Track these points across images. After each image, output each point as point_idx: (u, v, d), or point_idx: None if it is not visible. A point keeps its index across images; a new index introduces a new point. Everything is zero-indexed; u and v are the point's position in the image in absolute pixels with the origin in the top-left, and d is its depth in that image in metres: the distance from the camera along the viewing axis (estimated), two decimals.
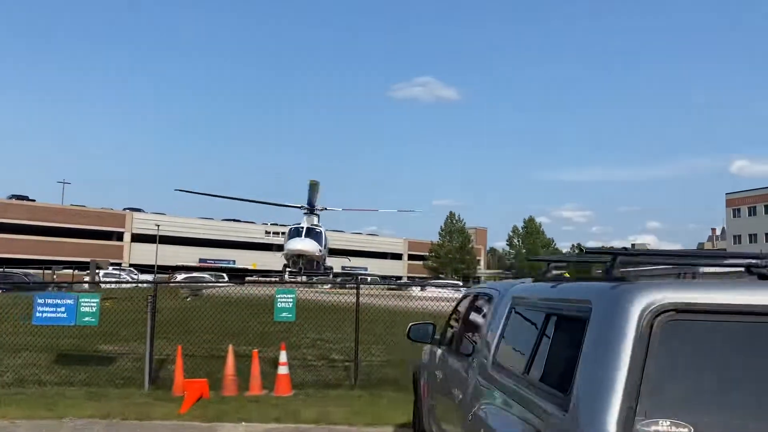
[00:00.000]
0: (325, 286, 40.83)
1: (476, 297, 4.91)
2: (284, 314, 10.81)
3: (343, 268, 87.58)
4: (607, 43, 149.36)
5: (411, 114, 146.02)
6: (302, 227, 21.19)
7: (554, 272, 4.05)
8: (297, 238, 20.94)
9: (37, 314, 10.49)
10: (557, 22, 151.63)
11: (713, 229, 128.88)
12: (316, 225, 21.65)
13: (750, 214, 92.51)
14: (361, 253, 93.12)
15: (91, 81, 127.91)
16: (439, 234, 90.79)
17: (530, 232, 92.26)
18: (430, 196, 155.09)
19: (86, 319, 10.46)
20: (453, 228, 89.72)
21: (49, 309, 10.44)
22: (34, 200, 71.86)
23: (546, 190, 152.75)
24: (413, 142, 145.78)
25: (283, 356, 10.41)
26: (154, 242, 70.96)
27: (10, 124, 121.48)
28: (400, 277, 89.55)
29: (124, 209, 77.13)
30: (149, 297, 11.04)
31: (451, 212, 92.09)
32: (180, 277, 40.26)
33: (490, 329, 3.86)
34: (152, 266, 64.45)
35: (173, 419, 8.72)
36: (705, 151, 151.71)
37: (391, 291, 28.77)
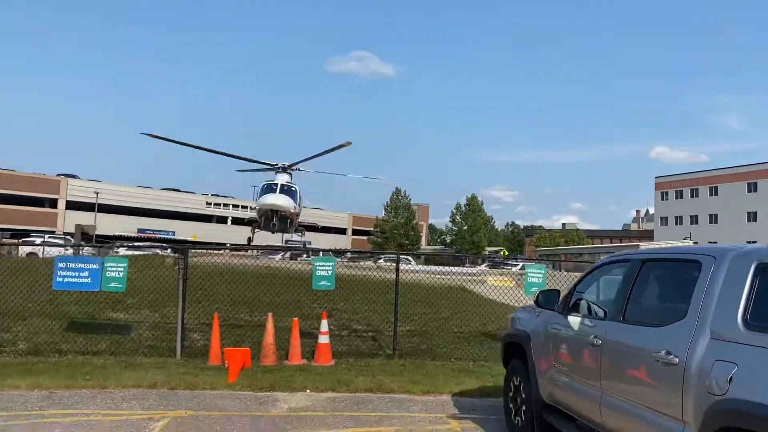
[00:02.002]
0: (284, 255, 40.33)
1: (648, 266, 4.87)
2: (323, 282, 10.57)
3: (286, 241, 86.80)
4: (536, 23, 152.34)
5: (347, 88, 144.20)
6: (276, 183, 20.46)
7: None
8: (271, 194, 20.17)
9: (58, 279, 9.83)
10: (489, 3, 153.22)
11: (638, 211, 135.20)
12: (291, 183, 20.96)
13: (677, 197, 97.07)
14: (305, 227, 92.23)
15: (19, 37, 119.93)
16: (385, 209, 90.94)
17: (473, 209, 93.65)
18: (363, 171, 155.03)
19: (112, 284, 9.88)
20: (399, 204, 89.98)
21: (71, 273, 9.80)
22: None
23: (476, 170, 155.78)
24: (347, 117, 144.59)
25: (324, 325, 10.21)
26: (90, 210, 67.92)
27: None
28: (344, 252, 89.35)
29: (58, 175, 73.17)
30: (179, 263, 10.55)
31: (397, 188, 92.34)
32: (122, 250, 38.71)
33: (718, 295, 3.87)
34: (88, 236, 61.61)
35: (224, 389, 8.43)
36: (627, 137, 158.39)
37: (366, 264, 28.72)
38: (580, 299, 5.58)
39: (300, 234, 24.40)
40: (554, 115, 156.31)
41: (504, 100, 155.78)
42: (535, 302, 6.14)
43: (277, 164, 21.35)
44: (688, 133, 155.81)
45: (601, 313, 5.20)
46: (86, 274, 9.83)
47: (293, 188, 21.26)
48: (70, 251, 31.86)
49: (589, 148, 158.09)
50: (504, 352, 7.02)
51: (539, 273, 11.04)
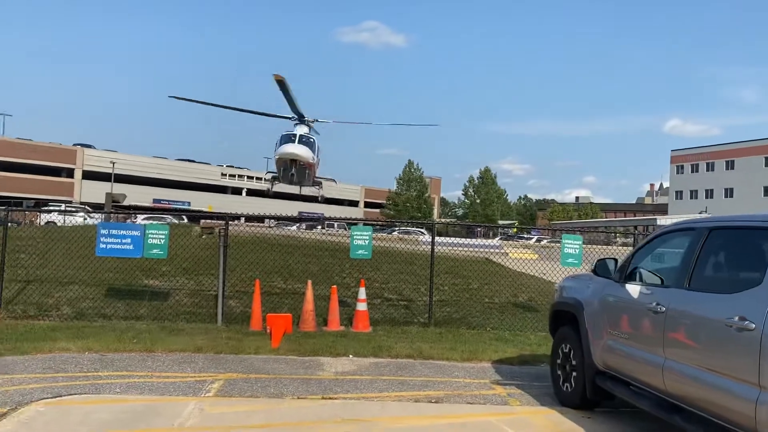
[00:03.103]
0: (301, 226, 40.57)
1: (715, 234, 4.89)
2: (360, 251, 10.68)
3: (299, 213, 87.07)
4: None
5: (358, 59, 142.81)
6: (295, 134, 20.45)
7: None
8: (290, 143, 20.21)
9: (101, 245, 9.99)
10: None
11: (652, 185, 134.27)
12: (309, 134, 20.96)
13: (693, 171, 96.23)
14: (317, 199, 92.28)
15: (38, 11, 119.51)
16: (397, 182, 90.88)
17: (486, 182, 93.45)
18: (374, 145, 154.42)
19: (154, 251, 10.04)
20: (411, 176, 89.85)
21: (113, 240, 9.96)
22: None
23: (487, 143, 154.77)
24: (359, 89, 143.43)
25: (362, 293, 10.35)
26: (106, 180, 68.18)
27: None
28: (356, 222, 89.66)
29: (74, 144, 73.49)
30: (221, 231, 10.68)
31: (409, 161, 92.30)
32: (140, 218, 39.06)
33: None
34: (104, 205, 62.10)
35: (269, 353, 8.59)
36: (640, 110, 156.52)
37: (381, 235, 28.86)
38: (639, 267, 5.62)
39: (318, 187, 24.26)
40: (566, 88, 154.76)
41: (516, 72, 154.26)
42: (592, 271, 6.20)
43: (292, 116, 21.31)
44: (703, 106, 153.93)
45: (663, 281, 5.25)
46: (128, 240, 9.99)
47: (311, 139, 21.28)
48: (90, 221, 32.23)
49: (601, 121, 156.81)
50: (552, 321, 7.10)
51: (576, 244, 11.08)
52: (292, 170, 20.66)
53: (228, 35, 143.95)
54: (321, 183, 24.31)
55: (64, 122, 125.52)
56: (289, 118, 21.30)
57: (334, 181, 25.44)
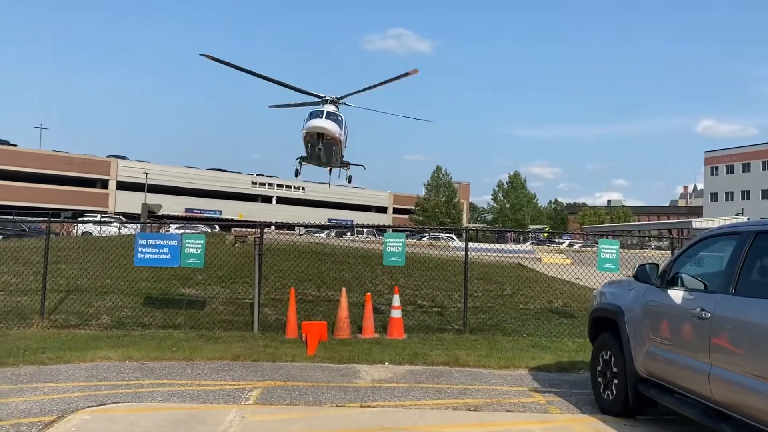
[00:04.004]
0: (331, 233, 40.68)
1: (761, 238, 4.78)
2: (393, 258, 10.69)
3: (329, 220, 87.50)
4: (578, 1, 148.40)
5: (384, 67, 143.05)
6: (322, 110, 20.62)
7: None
8: (317, 118, 20.38)
9: (139, 255, 10.18)
10: None
11: (685, 187, 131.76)
12: (336, 113, 21.07)
13: (728, 172, 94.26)
14: (346, 206, 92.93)
15: (70, 24, 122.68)
16: (425, 188, 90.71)
17: (515, 186, 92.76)
18: (401, 151, 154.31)
19: (191, 260, 10.20)
20: (440, 182, 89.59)
21: (151, 250, 10.14)
22: (15, 145, 69.42)
23: (516, 147, 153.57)
24: (385, 97, 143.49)
25: (396, 300, 10.36)
26: (140, 190, 69.49)
27: None
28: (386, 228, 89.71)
29: (108, 156, 75.06)
30: (255, 239, 10.79)
31: (437, 166, 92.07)
32: (172, 227, 39.60)
33: None
34: (138, 215, 63.25)
35: (305, 361, 8.65)
36: (671, 110, 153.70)
37: (410, 241, 28.83)
38: (681, 273, 5.53)
39: (346, 168, 24.22)
40: (594, 90, 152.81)
41: (544, 74, 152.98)
42: (633, 276, 6.11)
43: (325, 96, 21.46)
44: (737, 105, 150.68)
45: (707, 286, 5.15)
46: (165, 250, 10.15)
47: (339, 117, 21.40)
48: (124, 231, 32.84)
49: (631, 123, 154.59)
50: (591, 327, 7.01)
51: (612, 249, 10.92)
52: (320, 145, 20.75)
53: (254, 44, 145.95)
54: (349, 164, 24.33)
55: (98, 134, 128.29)
56: (321, 97, 21.43)
57: (363, 166, 25.33)
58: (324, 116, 20.95)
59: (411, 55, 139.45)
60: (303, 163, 23.08)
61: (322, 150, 21.08)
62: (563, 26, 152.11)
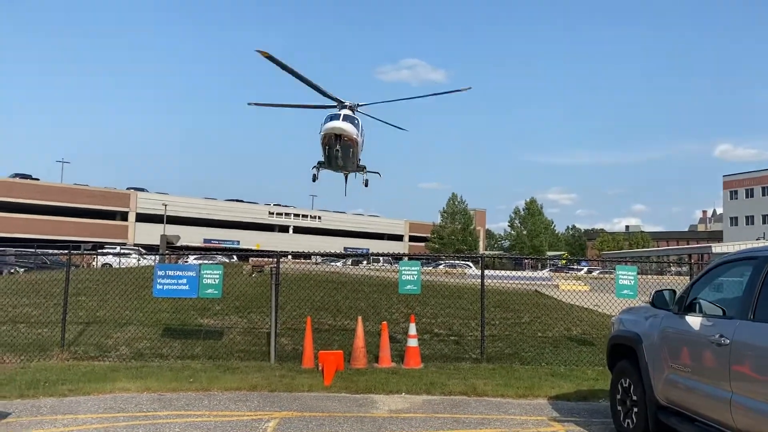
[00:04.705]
0: (347, 262, 40.64)
1: None
2: (409, 287, 10.68)
3: (345, 249, 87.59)
4: (589, 24, 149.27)
5: (398, 97, 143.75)
6: (339, 113, 20.89)
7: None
8: (335, 120, 20.62)
9: (158, 286, 10.29)
10: (542, 2, 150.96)
11: (704, 212, 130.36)
12: (354, 116, 21.33)
13: (747, 197, 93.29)
14: (362, 234, 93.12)
15: (89, 59, 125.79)
16: (441, 215, 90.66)
17: (532, 213, 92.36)
18: (416, 179, 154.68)
19: (209, 291, 10.27)
20: (455, 209, 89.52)
21: (169, 281, 10.24)
22: (38, 179, 70.75)
23: (532, 174, 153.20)
24: (401, 123, 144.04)
25: (412, 329, 10.33)
26: (159, 222, 70.21)
27: (6, 101, 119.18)
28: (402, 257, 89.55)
29: (128, 188, 76.16)
30: (272, 269, 10.87)
31: (453, 194, 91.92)
32: (191, 258, 39.87)
33: None
34: (157, 246, 63.83)
35: (322, 391, 8.63)
36: (687, 135, 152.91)
37: (427, 269, 28.78)
38: (699, 298, 5.49)
39: (362, 172, 24.30)
40: (610, 115, 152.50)
41: (558, 100, 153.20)
42: (650, 303, 6.07)
43: (344, 102, 21.74)
44: (754, 129, 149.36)
45: (725, 312, 5.11)
46: (184, 281, 10.25)
47: (356, 120, 21.64)
48: (144, 262, 33.14)
49: (647, 148, 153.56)
50: (610, 354, 6.94)
51: (630, 275, 10.83)
52: (337, 146, 20.92)
53: (268, 77, 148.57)
54: (365, 168, 24.45)
55: (119, 166, 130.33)
56: (334, 106, 21.73)
57: (378, 173, 25.37)
58: (341, 118, 21.30)
59: (424, 85, 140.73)
60: (320, 168, 23.31)
61: (339, 151, 21.34)
62: (578, 51, 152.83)
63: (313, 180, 23.73)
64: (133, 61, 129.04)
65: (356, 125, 21.70)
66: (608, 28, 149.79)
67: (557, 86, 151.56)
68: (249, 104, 20.66)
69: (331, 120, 21.17)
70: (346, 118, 21.35)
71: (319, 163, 23.15)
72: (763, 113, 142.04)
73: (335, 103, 21.83)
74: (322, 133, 21.43)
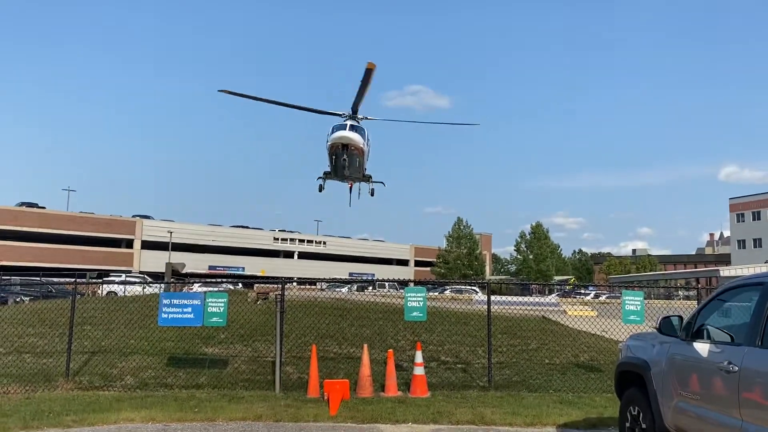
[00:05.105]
0: (353, 288, 40.52)
1: None
2: (415, 313, 10.63)
3: (350, 274, 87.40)
4: (592, 49, 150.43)
5: (403, 122, 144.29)
6: (345, 123, 21.18)
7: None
8: (342, 130, 20.91)
9: (163, 315, 10.28)
10: (545, 29, 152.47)
11: (711, 234, 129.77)
12: (359, 125, 21.61)
13: (754, 219, 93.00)
14: (367, 259, 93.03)
15: (93, 85, 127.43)
16: (447, 239, 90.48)
17: (538, 237, 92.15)
18: (421, 204, 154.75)
19: (214, 319, 10.25)
20: (461, 233, 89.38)
21: (174, 310, 10.23)
22: (44, 207, 71.21)
23: (538, 197, 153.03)
24: (404, 150, 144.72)
25: (419, 357, 10.25)
26: (164, 249, 70.34)
27: (12, 130, 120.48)
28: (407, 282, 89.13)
29: (133, 216, 76.51)
30: (277, 296, 10.84)
31: (459, 218, 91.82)
32: (196, 285, 39.89)
33: None
34: (162, 273, 63.86)
35: (328, 421, 8.55)
36: (694, 157, 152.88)
37: (432, 295, 28.67)
38: (706, 324, 5.44)
39: (368, 182, 24.35)
40: (614, 138, 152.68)
41: (562, 124, 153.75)
42: (657, 329, 6.03)
43: (344, 113, 22.00)
44: (759, 151, 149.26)
45: (733, 339, 5.06)
46: (189, 310, 10.24)
47: (363, 129, 21.87)
48: (149, 290, 33.14)
49: (652, 171, 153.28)
50: (618, 382, 6.87)
51: (637, 300, 10.76)
52: (344, 155, 21.08)
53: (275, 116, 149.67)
54: (371, 178, 24.52)
55: (125, 194, 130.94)
56: (340, 115, 21.97)
57: (383, 183, 25.46)
58: (348, 128, 21.57)
59: (430, 111, 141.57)
60: (326, 178, 23.41)
61: (346, 161, 21.52)
62: (581, 75, 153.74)
63: (320, 190, 23.91)
64: (137, 88, 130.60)
65: (363, 135, 22.02)
66: (610, 52, 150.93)
67: (561, 110, 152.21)
68: (219, 91, 20.72)
69: (338, 130, 21.50)
70: (352, 128, 21.67)
71: (325, 173, 23.35)
72: (765, 132, 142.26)
73: (340, 113, 22.10)
74: (329, 143, 21.73)
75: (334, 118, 22.04)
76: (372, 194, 25.14)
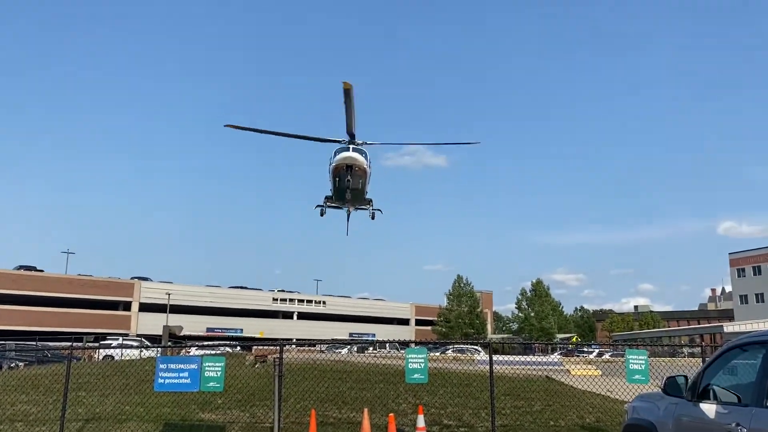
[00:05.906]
0: (354, 349, 39.89)
1: None
2: (416, 375, 10.42)
3: (350, 334, 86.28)
4: (589, 101, 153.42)
5: (401, 182, 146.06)
6: (348, 146, 21.43)
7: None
8: (345, 151, 21.12)
9: (159, 380, 10.07)
10: (536, 88, 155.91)
11: (713, 290, 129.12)
12: (361, 147, 21.88)
13: (755, 273, 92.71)
14: (368, 319, 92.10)
15: (90, 145, 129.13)
16: (447, 297, 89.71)
17: (539, 294, 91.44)
18: (420, 262, 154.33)
19: (210, 384, 10.03)
20: (461, 291, 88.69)
21: (171, 375, 10.03)
22: (42, 270, 70.93)
23: (537, 254, 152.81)
24: (402, 208, 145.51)
25: (420, 421, 10.02)
26: (161, 311, 69.70)
27: (11, 193, 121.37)
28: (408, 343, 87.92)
29: (132, 278, 76.13)
30: (275, 360, 10.67)
31: (458, 275, 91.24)
32: (193, 349, 39.32)
33: None
34: (159, 336, 63.06)
35: None
36: (690, 213, 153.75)
37: (434, 355, 28.28)
38: (712, 385, 5.35)
39: (370, 206, 24.30)
40: (612, 194, 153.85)
41: (559, 181, 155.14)
42: (662, 389, 5.92)
43: (344, 140, 22.24)
44: (757, 206, 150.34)
45: (740, 399, 4.96)
46: (186, 374, 10.03)
47: (364, 151, 22.10)
48: (146, 353, 32.66)
49: (650, 227, 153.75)
50: None
51: (641, 359, 10.58)
52: (348, 177, 21.20)
53: (277, 163, 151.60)
54: (371, 201, 24.60)
55: (123, 256, 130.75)
56: (339, 142, 22.21)
57: (380, 211, 25.59)
58: (351, 150, 21.87)
59: (427, 169, 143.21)
60: (328, 203, 23.47)
61: (350, 182, 21.71)
62: (578, 131, 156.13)
63: (321, 215, 24.00)
64: (135, 149, 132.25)
65: (365, 156, 22.39)
66: (608, 103, 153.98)
67: (559, 165, 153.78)
68: (226, 126, 21.24)
69: (342, 152, 21.89)
70: (355, 150, 22.05)
71: (326, 198, 23.50)
72: (765, 190, 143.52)
73: (340, 140, 22.45)
74: (333, 165, 22.05)
75: (335, 146, 22.53)
76: (373, 218, 25.34)
